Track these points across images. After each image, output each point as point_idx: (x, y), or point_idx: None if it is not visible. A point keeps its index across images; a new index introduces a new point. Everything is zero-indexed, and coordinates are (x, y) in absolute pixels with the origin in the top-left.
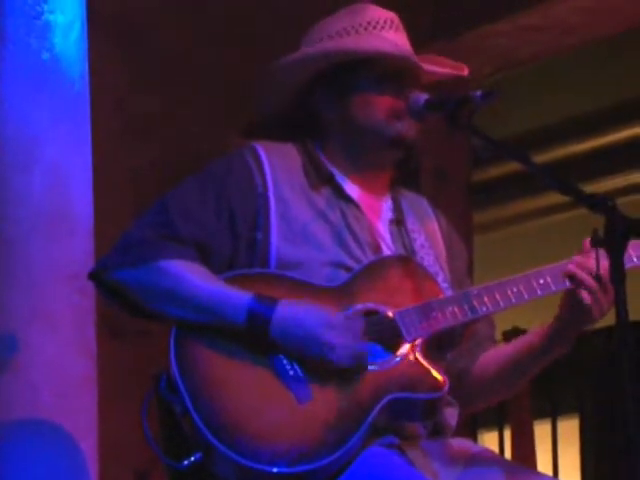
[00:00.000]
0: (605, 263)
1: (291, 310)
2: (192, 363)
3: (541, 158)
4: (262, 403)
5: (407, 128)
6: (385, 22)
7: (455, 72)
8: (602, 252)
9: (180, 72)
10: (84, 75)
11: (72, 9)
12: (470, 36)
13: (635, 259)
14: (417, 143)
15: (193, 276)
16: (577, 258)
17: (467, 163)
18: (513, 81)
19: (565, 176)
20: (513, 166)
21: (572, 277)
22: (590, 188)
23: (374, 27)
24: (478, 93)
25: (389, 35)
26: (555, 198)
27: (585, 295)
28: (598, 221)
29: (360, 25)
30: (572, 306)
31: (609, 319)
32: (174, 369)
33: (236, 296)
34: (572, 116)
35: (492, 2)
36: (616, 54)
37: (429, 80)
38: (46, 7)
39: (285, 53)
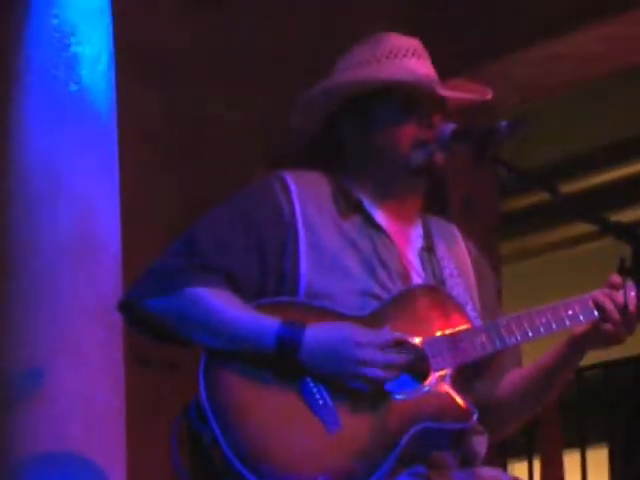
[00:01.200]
0: (633, 295)
1: (320, 330)
2: (221, 393)
3: (568, 188)
4: (291, 432)
5: (432, 156)
6: (407, 50)
7: (477, 97)
8: (630, 284)
9: (208, 103)
10: (112, 107)
11: (99, 41)
12: (497, 65)
13: None
14: (444, 171)
15: (222, 303)
16: (606, 289)
17: (495, 193)
18: (541, 110)
19: (592, 206)
20: (541, 196)
21: (601, 308)
22: (617, 218)
23: (395, 55)
24: (504, 123)
25: (410, 62)
26: (583, 228)
27: (609, 326)
28: (626, 251)
29: (382, 54)
30: (591, 333)
31: (637, 348)
32: (203, 398)
33: (265, 322)
34: (598, 146)
35: (519, 31)
36: None
37: (455, 106)
38: (73, 39)
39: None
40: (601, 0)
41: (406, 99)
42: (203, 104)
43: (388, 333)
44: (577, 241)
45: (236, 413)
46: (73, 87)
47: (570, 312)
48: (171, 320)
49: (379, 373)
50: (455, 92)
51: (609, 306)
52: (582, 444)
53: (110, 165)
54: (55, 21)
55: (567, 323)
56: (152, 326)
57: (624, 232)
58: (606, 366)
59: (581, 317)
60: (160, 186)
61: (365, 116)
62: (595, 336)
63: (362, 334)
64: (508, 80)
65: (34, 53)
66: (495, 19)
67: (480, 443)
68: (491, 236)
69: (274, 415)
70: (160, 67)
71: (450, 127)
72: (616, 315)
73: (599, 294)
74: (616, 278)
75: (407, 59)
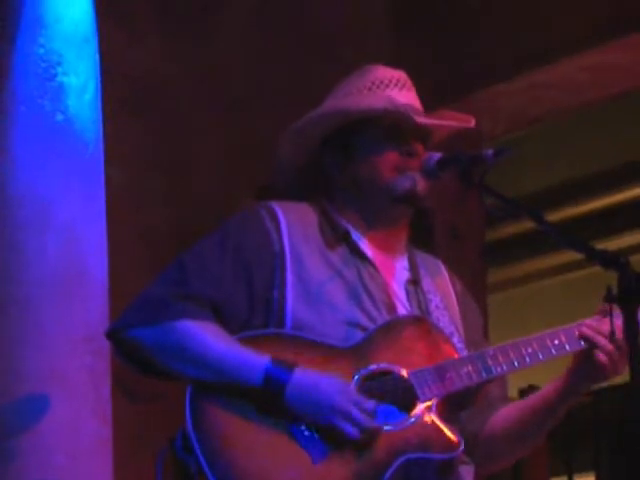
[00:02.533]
0: (619, 323)
1: (308, 376)
2: (207, 423)
3: (554, 216)
4: (277, 464)
5: (414, 185)
6: (390, 81)
7: (457, 124)
8: (617, 312)
9: (195, 133)
10: (98, 136)
11: (85, 70)
12: (482, 95)
13: None
14: (427, 200)
15: (210, 337)
16: (589, 321)
17: (481, 222)
18: (525, 140)
19: (578, 234)
20: (527, 225)
21: (586, 339)
22: (603, 246)
23: (378, 86)
24: (490, 151)
25: (391, 93)
26: (569, 256)
27: (600, 356)
28: (612, 279)
29: (365, 86)
30: (586, 364)
31: (624, 376)
32: (190, 428)
33: (253, 358)
34: (584, 174)
35: (504, 61)
36: (629, 112)
37: (442, 137)
38: (60, 69)
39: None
40: (586, 30)
41: (387, 129)
42: (189, 134)
43: (372, 403)
44: (563, 269)
45: (222, 443)
46: (59, 117)
47: (556, 342)
48: (156, 352)
49: (351, 430)
50: (434, 120)
51: (593, 335)
52: (569, 472)
53: (97, 195)
54: (41, 50)
55: (553, 352)
56: (138, 356)
57: (610, 260)
58: (593, 394)
59: (567, 347)
60: (146, 214)
61: (348, 147)
62: (590, 368)
63: (350, 388)
64: (493, 109)
65: (20, 83)
66: (480, 49)
67: (467, 473)
68: (477, 264)
69: (260, 446)
70: (146, 97)
71: (436, 156)
72: (604, 342)
73: (582, 325)
74: (604, 308)
75: (389, 90)
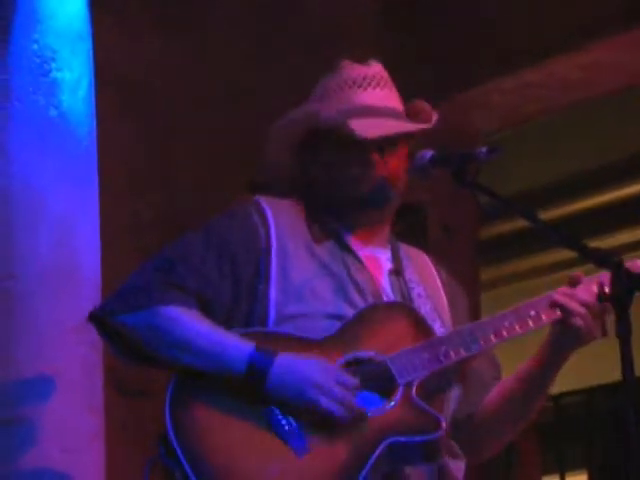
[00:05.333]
0: (594, 289)
1: (290, 360)
2: (188, 427)
3: (547, 215)
4: (260, 460)
5: (383, 191)
6: (364, 79)
7: (417, 128)
8: (589, 278)
9: (186, 127)
10: (92, 132)
11: (79, 66)
12: (476, 93)
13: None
14: (422, 200)
15: (195, 322)
16: (562, 289)
17: (474, 219)
18: (519, 138)
19: (571, 232)
20: (520, 223)
21: (560, 306)
22: (596, 244)
23: (350, 87)
24: (482, 149)
25: (365, 93)
26: (562, 254)
27: (575, 319)
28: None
29: (338, 85)
30: (562, 331)
31: (615, 375)
32: (170, 434)
33: (237, 344)
34: (577, 172)
35: (496, 59)
36: (619, 110)
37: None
38: (53, 65)
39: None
40: (578, 29)
41: (349, 137)
42: (182, 131)
43: (354, 380)
44: (556, 267)
45: (204, 446)
46: (53, 112)
47: (532, 312)
48: (142, 337)
49: (334, 407)
50: (385, 130)
51: (569, 303)
52: (561, 470)
53: (90, 190)
54: (35, 46)
55: (530, 324)
56: (124, 342)
57: (603, 259)
58: (585, 392)
59: (543, 317)
60: (139, 209)
61: (321, 149)
62: (567, 334)
63: (332, 367)
64: (486, 107)
65: (14, 78)
66: (473, 48)
67: (458, 469)
68: (470, 263)
69: (242, 445)
70: (140, 93)
71: (428, 153)
72: (578, 307)
73: (557, 294)
74: (575, 274)
75: (362, 90)
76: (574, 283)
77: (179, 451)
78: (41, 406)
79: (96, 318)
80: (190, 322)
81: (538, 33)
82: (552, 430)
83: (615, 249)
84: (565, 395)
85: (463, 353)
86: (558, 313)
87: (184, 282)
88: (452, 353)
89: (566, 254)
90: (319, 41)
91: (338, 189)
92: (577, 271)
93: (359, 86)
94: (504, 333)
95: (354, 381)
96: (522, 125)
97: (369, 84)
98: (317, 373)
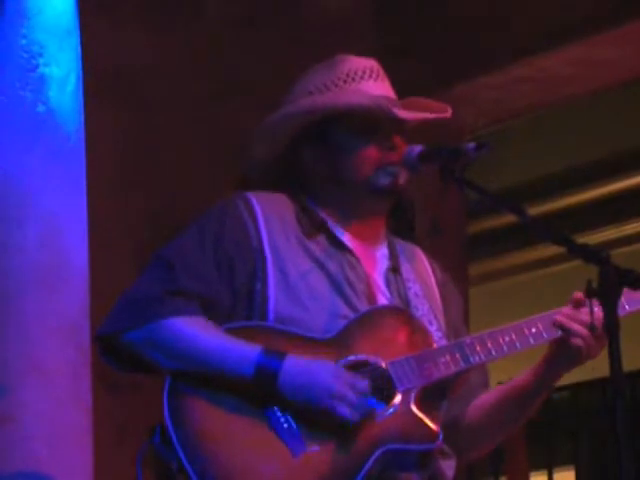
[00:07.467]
0: (598, 312)
1: (300, 362)
2: (186, 417)
3: (535, 210)
4: (256, 457)
5: (395, 178)
6: (364, 72)
7: (436, 116)
8: (595, 302)
9: (175, 124)
10: (80, 128)
11: (67, 62)
12: (464, 88)
13: (627, 306)
14: (408, 192)
15: (199, 331)
16: (565, 309)
17: (462, 215)
18: (507, 133)
19: (559, 228)
20: (508, 218)
21: (561, 327)
22: (584, 240)
23: (352, 79)
24: (471, 145)
25: (367, 85)
26: (550, 250)
27: (576, 340)
28: (593, 273)
29: (338, 79)
30: (561, 350)
31: (604, 370)
32: (168, 423)
33: (244, 349)
34: (565, 169)
35: (485, 54)
36: (607, 107)
37: (416, 125)
38: (41, 60)
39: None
40: (567, 24)
41: (365, 123)
42: (171, 125)
43: (365, 383)
44: (544, 263)
45: (201, 437)
46: (41, 108)
47: (534, 330)
48: (149, 351)
49: (348, 412)
50: (414, 113)
51: (569, 323)
52: (549, 467)
53: (78, 186)
54: (23, 41)
55: (531, 341)
56: (130, 358)
57: (591, 254)
58: (573, 388)
59: (544, 335)
60: (128, 206)
61: (326, 141)
62: (566, 353)
63: (343, 372)
64: (475, 103)
65: (1, 73)
66: (462, 42)
67: (448, 467)
68: (459, 258)
69: (240, 440)
70: (128, 88)
71: (417, 149)
72: (580, 329)
73: (559, 315)
74: (578, 295)
75: (364, 82)
76: (577, 305)
77: (175, 439)
78: (27, 405)
79: (104, 339)
80: (197, 333)
81: (526, 29)
82: (540, 426)
83: (603, 244)
84: (553, 391)
85: (462, 365)
86: (559, 332)
87: (185, 287)
88: (452, 365)
89: (554, 250)
90: (306, 40)
91: (347, 180)
92: (564, 266)
93: (368, 77)
94: (504, 348)
95: (365, 385)
96: (510, 121)
97: (370, 76)
98: (331, 379)
